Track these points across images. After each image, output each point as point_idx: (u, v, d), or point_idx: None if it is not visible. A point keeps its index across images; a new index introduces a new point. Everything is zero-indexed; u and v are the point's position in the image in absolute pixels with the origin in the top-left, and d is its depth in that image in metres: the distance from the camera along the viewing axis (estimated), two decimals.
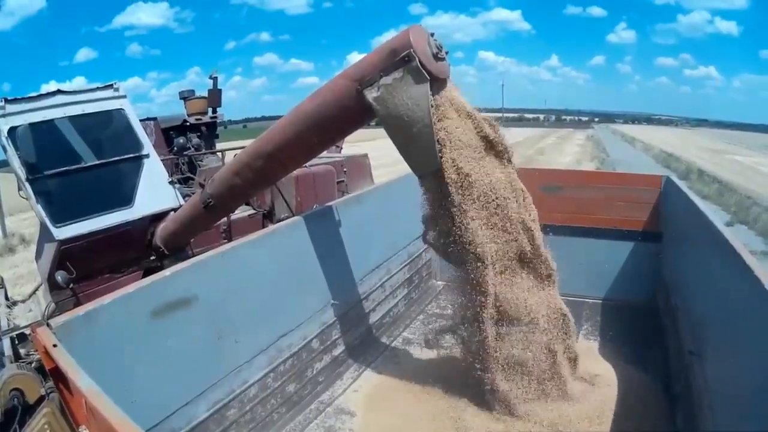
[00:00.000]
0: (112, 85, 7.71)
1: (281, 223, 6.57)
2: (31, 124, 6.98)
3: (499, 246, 5.12)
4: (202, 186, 6.56)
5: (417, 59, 4.46)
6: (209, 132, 12.72)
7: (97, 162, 7.52)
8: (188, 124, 12.30)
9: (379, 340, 7.13)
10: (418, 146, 4.74)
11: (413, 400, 5.65)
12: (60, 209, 7.05)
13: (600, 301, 7.96)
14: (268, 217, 9.90)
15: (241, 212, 9.63)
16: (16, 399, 5.05)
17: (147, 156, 7.90)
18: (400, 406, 5.58)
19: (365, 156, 12.97)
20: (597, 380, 5.60)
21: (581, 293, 7.69)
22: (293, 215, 8.20)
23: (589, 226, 8.07)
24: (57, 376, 3.31)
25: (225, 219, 8.63)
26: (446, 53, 4.74)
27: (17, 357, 6.06)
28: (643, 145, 77.18)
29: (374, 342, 7.06)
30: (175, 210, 7.71)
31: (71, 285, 7.12)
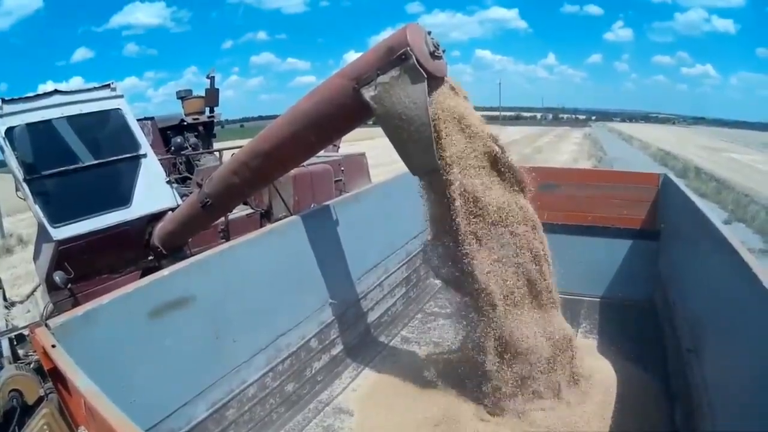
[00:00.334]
0: (109, 84, 7.71)
1: (279, 222, 6.57)
2: (29, 125, 6.97)
3: (506, 277, 5.13)
4: (199, 185, 6.56)
5: (414, 57, 4.46)
6: (206, 131, 12.72)
7: (95, 162, 7.51)
8: (185, 123, 12.30)
9: (377, 339, 7.13)
10: (416, 145, 4.73)
11: (412, 399, 5.64)
12: (58, 209, 7.04)
13: (598, 300, 7.97)
14: (266, 216, 9.91)
15: (239, 212, 9.63)
16: (15, 400, 5.05)
17: (144, 156, 7.90)
18: (398, 405, 5.58)
19: (363, 155, 12.98)
20: (595, 378, 5.59)
21: (579, 291, 7.70)
22: (291, 214, 8.19)
23: (586, 225, 8.07)
24: (56, 377, 3.32)
25: (223, 218, 8.61)
26: (443, 51, 4.74)
27: (16, 358, 6.07)
28: (640, 144, 77.12)
29: (373, 341, 7.06)
30: (172, 210, 7.70)
31: (69, 285, 7.12)
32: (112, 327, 3.89)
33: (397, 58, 4.53)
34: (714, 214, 5.55)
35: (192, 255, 6.08)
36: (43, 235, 7.47)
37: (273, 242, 5.69)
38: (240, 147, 6.25)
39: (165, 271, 4.51)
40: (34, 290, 9.08)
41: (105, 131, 7.89)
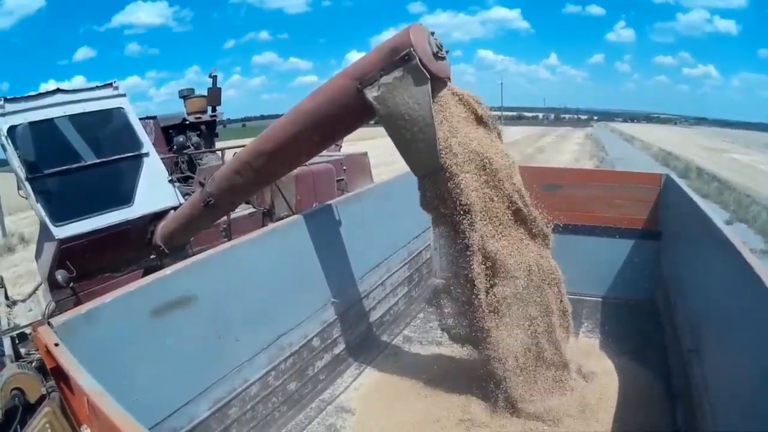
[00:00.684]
0: (111, 83, 7.71)
1: (281, 221, 6.57)
2: (31, 123, 6.97)
3: (489, 201, 5.08)
4: (202, 184, 6.56)
5: (417, 58, 4.46)
6: (209, 131, 12.74)
7: (97, 161, 7.52)
8: (188, 122, 12.33)
9: (379, 339, 7.14)
10: (419, 146, 4.73)
11: (414, 398, 5.65)
12: (60, 208, 7.05)
13: (600, 300, 7.97)
14: (268, 215, 9.91)
15: (241, 211, 9.64)
16: (17, 398, 5.06)
17: (147, 155, 7.90)
18: (400, 404, 5.58)
19: (365, 154, 12.98)
20: (597, 378, 5.60)
21: (581, 291, 7.68)
22: (293, 214, 8.20)
23: (588, 225, 8.07)
24: (58, 376, 3.31)
25: (225, 218, 8.62)
26: (446, 52, 4.75)
27: (18, 356, 6.06)
28: (641, 144, 77.07)
29: (375, 340, 7.07)
30: (175, 209, 7.71)
31: (71, 284, 7.13)
32: (114, 326, 3.89)
33: (400, 58, 4.52)
34: (716, 214, 5.54)
35: (194, 254, 6.10)
36: (45, 234, 7.47)
37: (275, 241, 5.69)
38: (242, 146, 6.24)
39: (167, 270, 4.51)
40: (36, 289, 9.08)
41: (107, 130, 7.90)
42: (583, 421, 5.04)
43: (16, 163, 6.80)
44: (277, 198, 9.75)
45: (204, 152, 11.98)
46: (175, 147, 11.71)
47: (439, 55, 4.64)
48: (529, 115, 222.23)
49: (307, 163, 8.73)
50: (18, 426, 4.91)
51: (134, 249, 7.83)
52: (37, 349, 4.46)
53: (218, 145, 12.85)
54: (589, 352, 6.16)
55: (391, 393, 5.82)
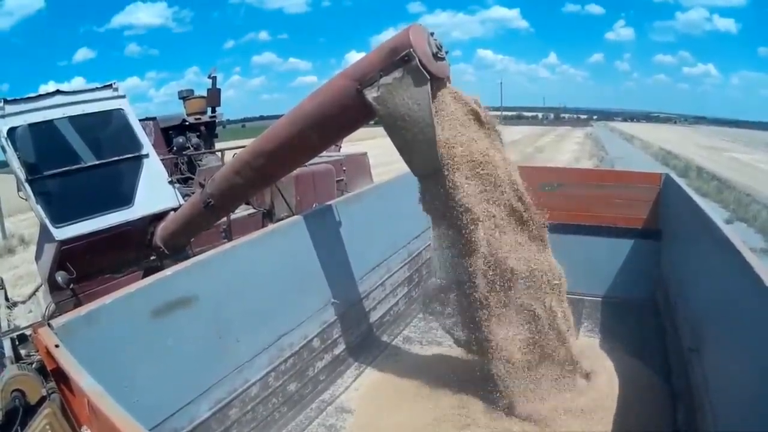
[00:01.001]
0: (111, 85, 7.71)
1: (281, 222, 6.58)
2: (31, 125, 6.97)
3: (489, 203, 5.10)
4: (202, 185, 6.56)
5: (417, 59, 4.45)
6: (208, 131, 12.73)
7: (97, 162, 7.51)
8: (187, 123, 12.33)
9: (379, 339, 7.15)
10: (419, 146, 4.72)
11: (414, 398, 5.65)
12: (60, 210, 7.04)
13: (600, 299, 7.99)
14: (268, 216, 9.93)
15: (241, 212, 9.65)
16: (17, 400, 5.06)
17: (146, 156, 7.90)
18: (401, 405, 5.59)
19: (364, 155, 13.01)
20: (597, 377, 5.60)
21: (581, 291, 7.70)
22: (293, 214, 8.21)
23: (588, 224, 8.08)
24: (59, 377, 3.32)
25: (225, 218, 8.63)
26: (446, 53, 4.74)
27: (18, 358, 6.07)
28: (641, 143, 77.03)
29: (375, 341, 7.07)
30: (175, 210, 7.71)
31: (71, 285, 7.13)
32: (114, 327, 3.89)
33: (400, 59, 4.51)
34: (715, 213, 5.55)
35: (194, 255, 6.10)
36: (45, 236, 7.47)
37: (275, 242, 5.70)
38: (242, 147, 6.26)
39: (167, 271, 4.52)
40: (36, 290, 9.09)
41: (107, 131, 7.89)
42: (584, 421, 5.04)
43: (15, 164, 6.80)
44: (277, 199, 9.77)
45: (204, 153, 11.97)
46: (174, 148, 11.73)
47: (439, 55, 4.63)
48: (529, 114, 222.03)
49: (306, 164, 8.74)
50: (18, 427, 4.91)
51: (134, 250, 7.83)
52: (38, 351, 4.46)
53: (218, 145, 12.87)
54: (590, 352, 6.15)
55: (391, 393, 5.82)
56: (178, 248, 7.74)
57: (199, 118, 12.46)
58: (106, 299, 3.93)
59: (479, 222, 4.96)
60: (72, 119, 7.33)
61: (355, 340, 6.71)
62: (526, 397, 5.21)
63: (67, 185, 7.26)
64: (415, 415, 5.36)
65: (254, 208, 9.97)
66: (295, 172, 8.68)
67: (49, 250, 7.25)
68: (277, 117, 5.86)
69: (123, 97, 7.79)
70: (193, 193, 7.59)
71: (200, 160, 11.83)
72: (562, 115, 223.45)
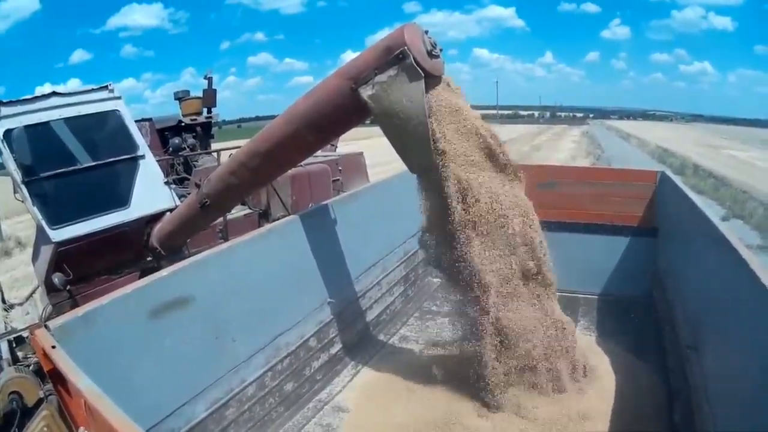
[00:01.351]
0: (106, 86, 7.70)
1: (277, 222, 6.58)
2: (27, 127, 6.96)
3: (502, 267, 5.16)
4: (198, 186, 6.57)
5: (411, 56, 4.46)
6: (204, 132, 12.74)
7: (93, 163, 7.50)
8: (183, 124, 12.33)
9: (376, 338, 7.15)
10: (414, 144, 4.74)
11: (411, 397, 5.64)
12: (56, 211, 7.04)
13: (596, 297, 8.00)
14: (264, 216, 9.92)
15: (237, 212, 9.65)
16: (14, 402, 5.07)
17: (142, 157, 7.89)
18: (397, 404, 5.58)
19: (360, 154, 13.00)
20: (594, 375, 5.61)
21: (577, 289, 7.73)
22: (289, 214, 8.20)
23: (584, 222, 8.10)
24: (56, 378, 3.32)
25: (221, 219, 8.62)
26: (441, 50, 4.74)
27: (15, 360, 6.07)
28: (638, 141, 77.14)
29: (371, 340, 7.07)
30: (171, 210, 7.71)
31: (68, 287, 7.12)
32: (111, 328, 3.89)
33: (394, 57, 4.52)
34: (711, 210, 5.56)
35: (191, 255, 6.10)
36: (41, 237, 7.47)
37: (271, 242, 5.70)
38: (238, 147, 6.25)
39: (163, 272, 4.52)
40: (33, 292, 9.08)
41: (103, 133, 7.88)
42: (580, 419, 5.04)
43: (12, 166, 6.79)
44: (273, 199, 9.76)
45: (200, 154, 11.98)
46: (170, 149, 11.75)
47: (433, 53, 4.63)
48: (525, 113, 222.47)
49: (302, 164, 8.75)
50: (16, 430, 4.93)
51: (131, 251, 7.83)
52: (35, 353, 4.47)
53: (214, 146, 12.85)
54: (586, 349, 6.15)
55: (387, 393, 5.81)
56: (175, 249, 7.75)
57: (195, 119, 12.47)
58: (103, 300, 3.93)
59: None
60: (68, 121, 7.32)
61: (351, 340, 6.70)
62: (524, 393, 5.22)
63: (64, 187, 7.26)
64: (411, 414, 5.35)
65: (250, 209, 9.97)
66: (291, 172, 8.67)
67: (46, 252, 7.24)
68: (273, 117, 5.85)
69: (119, 98, 7.79)
70: (189, 193, 7.60)
71: (196, 161, 11.83)
72: (559, 113, 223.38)
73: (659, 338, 6.49)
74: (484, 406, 5.27)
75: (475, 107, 5.22)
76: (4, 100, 6.89)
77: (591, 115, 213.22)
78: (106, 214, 7.39)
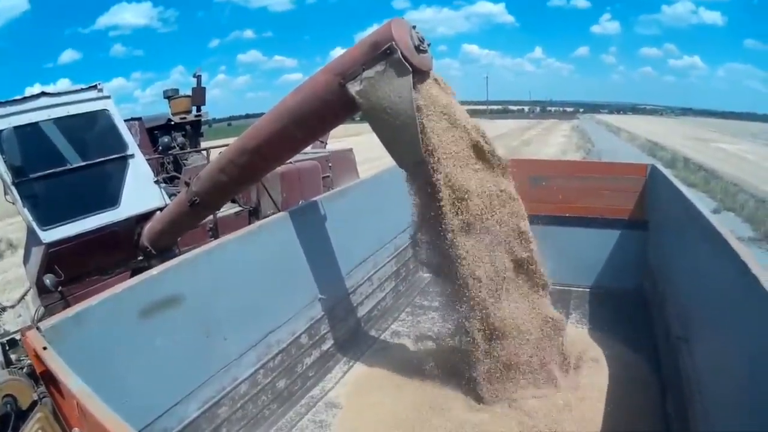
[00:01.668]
0: (96, 86, 7.66)
1: (267, 219, 6.57)
2: (16, 128, 6.92)
3: (492, 261, 5.17)
4: (187, 184, 6.54)
5: (399, 51, 4.45)
6: (194, 130, 12.69)
7: (83, 163, 7.48)
8: (173, 123, 12.27)
9: (367, 334, 7.16)
10: (402, 138, 4.74)
11: (404, 392, 5.66)
12: (47, 212, 7.01)
13: (587, 290, 8.04)
14: (254, 214, 9.90)
15: (228, 210, 9.63)
16: (8, 405, 5.07)
17: (132, 156, 7.87)
18: (390, 399, 5.60)
19: (350, 151, 13.00)
20: (586, 367, 5.64)
21: (569, 282, 7.76)
22: (279, 211, 8.19)
23: (575, 216, 8.13)
24: (48, 379, 3.31)
25: (211, 217, 8.62)
26: (428, 45, 4.74)
27: (8, 363, 6.07)
28: (628, 135, 77.36)
29: (363, 335, 7.09)
30: (161, 209, 7.70)
31: (60, 288, 7.09)
32: (102, 328, 3.88)
33: (382, 52, 4.51)
34: (701, 203, 5.58)
35: (181, 254, 6.09)
36: (32, 239, 7.45)
37: (262, 239, 5.69)
38: (227, 145, 6.24)
39: (154, 271, 4.51)
40: (25, 294, 9.04)
41: (92, 132, 7.85)
42: (572, 411, 5.06)
43: (2, 167, 6.75)
44: (263, 196, 9.75)
45: (189, 152, 11.93)
46: (160, 147, 11.68)
47: (421, 48, 4.63)
48: (515, 108, 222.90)
49: (292, 161, 8.75)
50: None
51: (122, 251, 7.80)
52: (28, 355, 4.46)
53: (203, 144, 12.77)
54: (578, 342, 6.17)
55: (380, 388, 5.83)
56: (166, 248, 7.73)
57: (185, 118, 12.41)
58: (93, 300, 3.92)
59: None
60: (57, 121, 7.29)
61: (343, 336, 6.71)
62: (515, 386, 5.25)
63: (54, 187, 7.23)
64: (404, 409, 5.37)
65: (240, 206, 9.95)
66: (280, 169, 8.67)
67: (37, 253, 7.22)
68: (262, 115, 5.85)
69: (108, 97, 7.76)
70: (179, 192, 7.58)
71: (186, 160, 11.79)
72: (549, 108, 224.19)
73: (650, 330, 6.52)
74: (476, 400, 5.30)
75: (465, 103, 5.25)
76: None
77: (581, 110, 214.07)
78: (97, 214, 7.36)
